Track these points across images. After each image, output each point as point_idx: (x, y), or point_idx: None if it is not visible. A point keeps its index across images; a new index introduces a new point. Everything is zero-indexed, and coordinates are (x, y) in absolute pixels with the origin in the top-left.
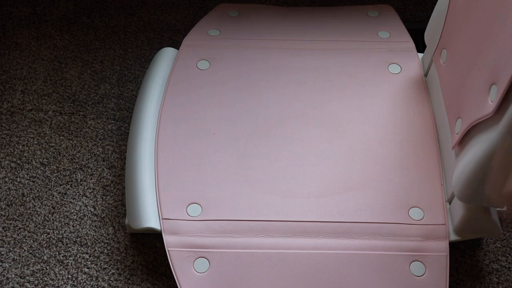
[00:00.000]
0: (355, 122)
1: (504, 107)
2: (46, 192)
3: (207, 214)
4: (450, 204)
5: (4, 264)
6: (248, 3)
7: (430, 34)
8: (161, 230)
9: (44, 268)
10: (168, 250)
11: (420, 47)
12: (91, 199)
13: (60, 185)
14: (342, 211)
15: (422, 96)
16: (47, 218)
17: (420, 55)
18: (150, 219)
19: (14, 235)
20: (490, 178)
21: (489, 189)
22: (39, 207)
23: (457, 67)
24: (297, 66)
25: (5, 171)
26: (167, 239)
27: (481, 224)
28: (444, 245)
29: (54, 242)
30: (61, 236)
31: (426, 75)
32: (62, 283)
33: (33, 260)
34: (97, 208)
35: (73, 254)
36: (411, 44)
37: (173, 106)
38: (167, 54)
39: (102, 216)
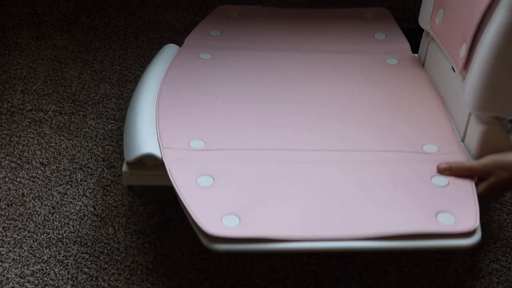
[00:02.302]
0: (359, 98)
1: None
2: (46, 192)
3: (210, 146)
4: (463, 142)
5: (4, 264)
6: (248, 4)
7: (425, 9)
8: (161, 158)
9: (44, 268)
10: (169, 169)
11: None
12: (91, 199)
13: (60, 185)
14: (357, 143)
15: (421, 73)
16: (47, 218)
17: (416, 55)
18: (149, 146)
19: (14, 235)
20: (503, 65)
21: (503, 86)
22: (39, 207)
23: (456, 12)
24: (297, 65)
25: (5, 171)
26: (168, 164)
27: (499, 147)
28: (464, 158)
29: (54, 242)
30: (61, 236)
31: (423, 66)
32: (62, 283)
33: (33, 260)
34: (97, 208)
35: (73, 254)
36: (406, 45)
37: (175, 77)
38: (170, 49)
39: (102, 216)
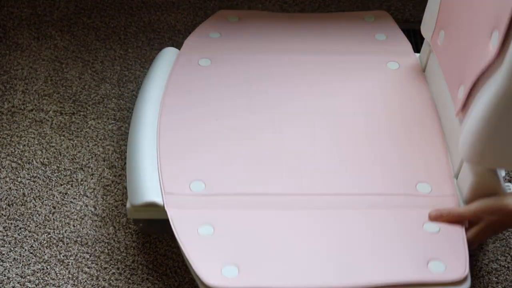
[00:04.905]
0: (356, 111)
1: (506, 47)
2: (46, 192)
3: (210, 190)
4: (457, 179)
5: (5, 263)
6: (248, 8)
7: (427, 23)
8: (163, 205)
9: (45, 268)
10: (170, 217)
11: (420, 48)
12: (92, 199)
13: (61, 185)
14: (349, 185)
15: (422, 86)
16: (47, 218)
17: (418, 55)
18: (151, 193)
19: (15, 235)
20: (500, 128)
21: (499, 143)
22: (40, 207)
23: (456, 40)
24: (296, 69)
25: (6, 171)
26: (170, 212)
27: (491, 195)
28: (455, 202)
29: (54, 241)
30: (61, 236)
31: (424, 70)
32: (63, 282)
33: (33, 260)
34: (97, 208)
35: (74, 253)
36: (407, 46)
37: (175, 95)
38: (169, 53)
39: (102, 216)
